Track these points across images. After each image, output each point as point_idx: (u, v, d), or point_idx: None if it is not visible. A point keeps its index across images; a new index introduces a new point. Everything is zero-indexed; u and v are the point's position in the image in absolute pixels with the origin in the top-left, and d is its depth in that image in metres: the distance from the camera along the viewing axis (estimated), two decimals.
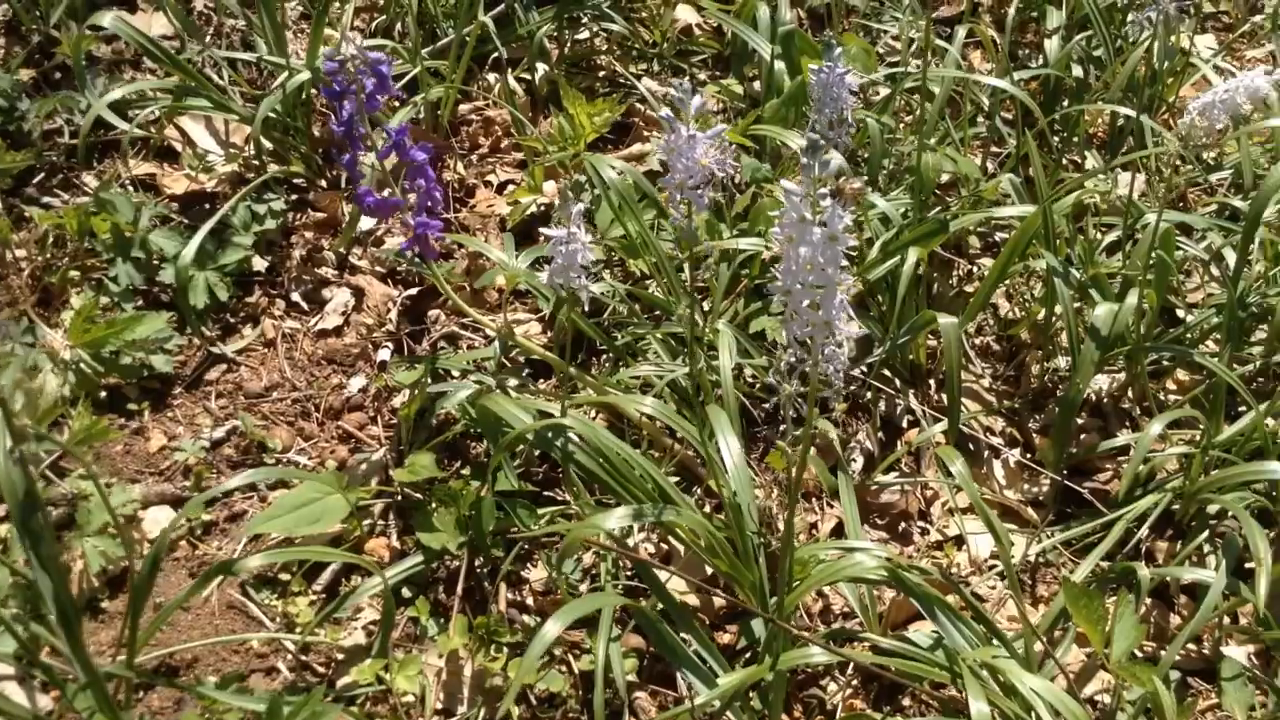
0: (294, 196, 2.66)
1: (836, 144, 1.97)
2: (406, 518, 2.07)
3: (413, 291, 2.49)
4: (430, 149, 2.01)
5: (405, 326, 2.44)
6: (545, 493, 2.13)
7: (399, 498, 2.09)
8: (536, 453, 2.13)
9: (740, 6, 2.93)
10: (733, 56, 3.01)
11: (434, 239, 2.01)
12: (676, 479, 2.09)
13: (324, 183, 2.71)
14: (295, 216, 2.63)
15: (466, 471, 2.13)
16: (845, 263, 1.17)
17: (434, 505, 1.96)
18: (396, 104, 2.68)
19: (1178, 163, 1.92)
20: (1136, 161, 2.56)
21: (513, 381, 2.13)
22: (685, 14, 3.18)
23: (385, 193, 1.95)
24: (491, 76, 2.93)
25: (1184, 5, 2.13)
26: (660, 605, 1.82)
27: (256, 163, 2.63)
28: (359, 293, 2.49)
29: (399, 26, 3.00)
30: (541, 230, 1.74)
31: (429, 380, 2.11)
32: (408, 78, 2.73)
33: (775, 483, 2.20)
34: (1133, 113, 2.49)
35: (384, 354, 2.39)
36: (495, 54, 2.86)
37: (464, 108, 2.92)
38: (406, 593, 1.95)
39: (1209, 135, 1.91)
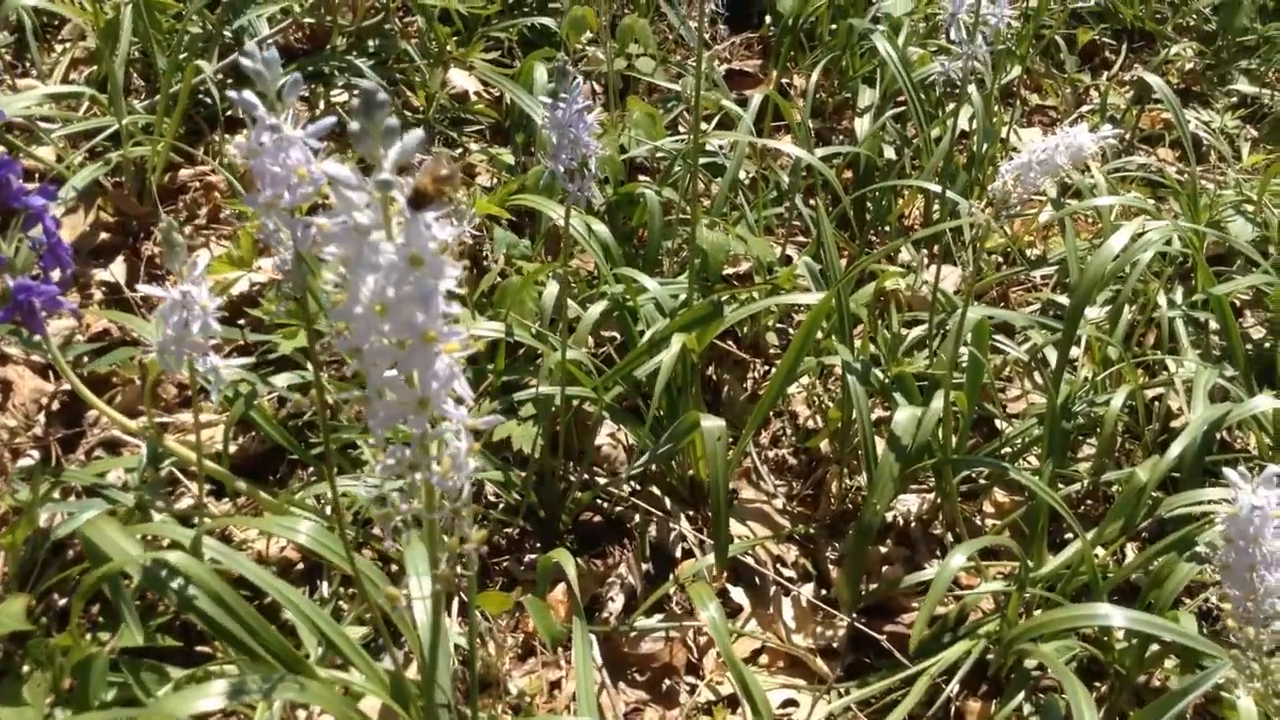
0: None
1: (577, 199, 1.59)
2: None
3: (70, 386, 1.99)
4: (53, 191, 1.55)
5: (57, 430, 1.94)
6: (201, 647, 1.65)
7: None
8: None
9: (520, 72, 2.58)
10: (511, 126, 2.64)
11: (45, 308, 1.54)
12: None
13: None
14: None
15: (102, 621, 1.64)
16: (452, 306, 0.75)
17: (27, 669, 1.46)
18: (82, 159, 2.22)
19: (993, 247, 1.60)
20: (949, 251, 2.26)
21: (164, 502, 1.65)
22: (462, 80, 2.81)
23: None
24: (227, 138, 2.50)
25: (993, 48, 1.83)
26: None
27: None
28: (7, 387, 1.99)
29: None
30: (140, 288, 1.30)
31: (48, 499, 1.62)
32: (107, 132, 2.28)
33: (505, 630, 1.76)
34: (938, 188, 2.18)
35: (26, 464, 1.89)
36: (228, 113, 2.43)
37: (185, 173, 2.46)
38: None
39: (1023, 202, 1.59)
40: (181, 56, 2.40)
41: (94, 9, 2.35)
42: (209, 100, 2.55)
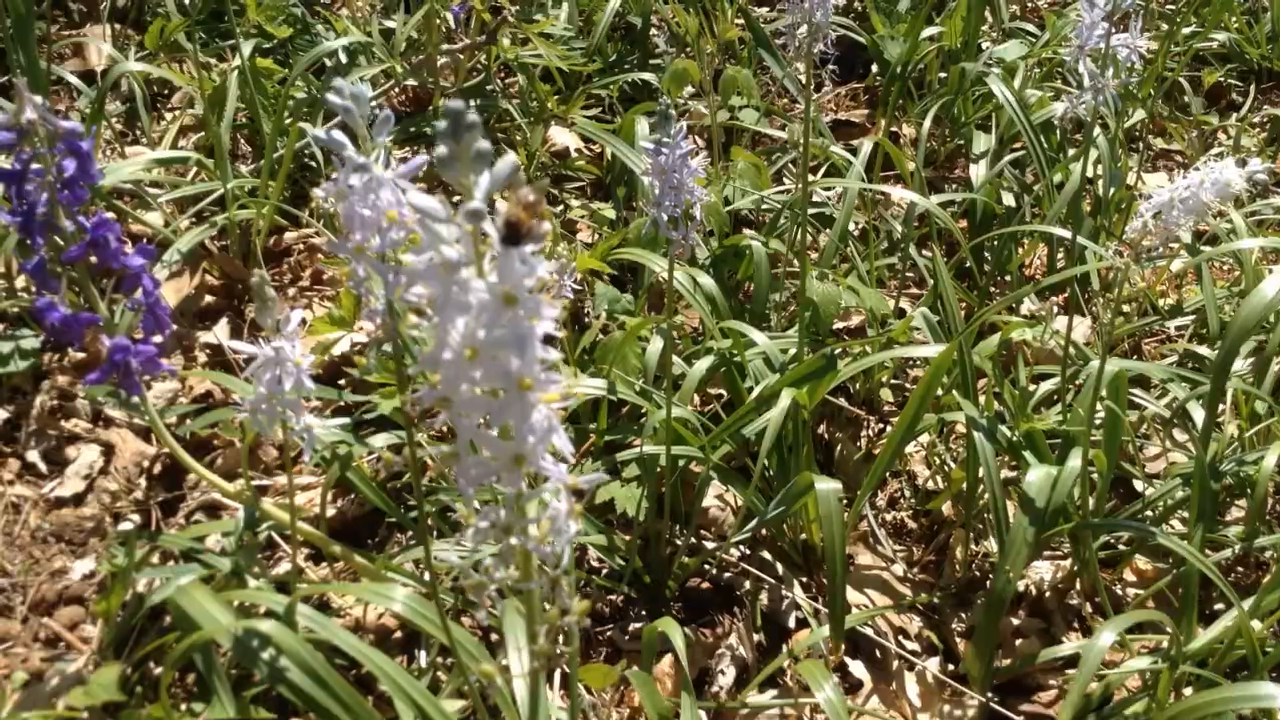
0: None
1: (681, 248, 1.51)
2: None
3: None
4: (152, 251, 1.54)
5: (158, 493, 1.92)
6: (296, 719, 1.58)
7: None
8: None
9: (621, 126, 2.54)
10: (611, 181, 2.60)
11: (143, 369, 1.51)
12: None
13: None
14: (53, 359, 2.13)
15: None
16: (549, 352, 0.66)
17: None
18: (188, 223, 2.23)
19: (1128, 291, 1.47)
20: (1077, 301, 2.12)
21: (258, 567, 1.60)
22: (563, 137, 2.78)
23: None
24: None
25: (1125, 80, 1.71)
26: None
27: (17, 292, 2.15)
28: (110, 450, 1.98)
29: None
30: (232, 344, 1.25)
31: (145, 564, 1.58)
32: (213, 196, 2.29)
33: (610, 704, 1.66)
34: (1065, 234, 2.05)
35: (126, 528, 1.86)
36: (333, 175, 2.44)
37: (290, 235, 2.46)
38: None
39: (1166, 242, 1.46)
40: (286, 121, 2.40)
41: (201, 76, 2.38)
42: (313, 164, 2.56)
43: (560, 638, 0.85)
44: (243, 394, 1.80)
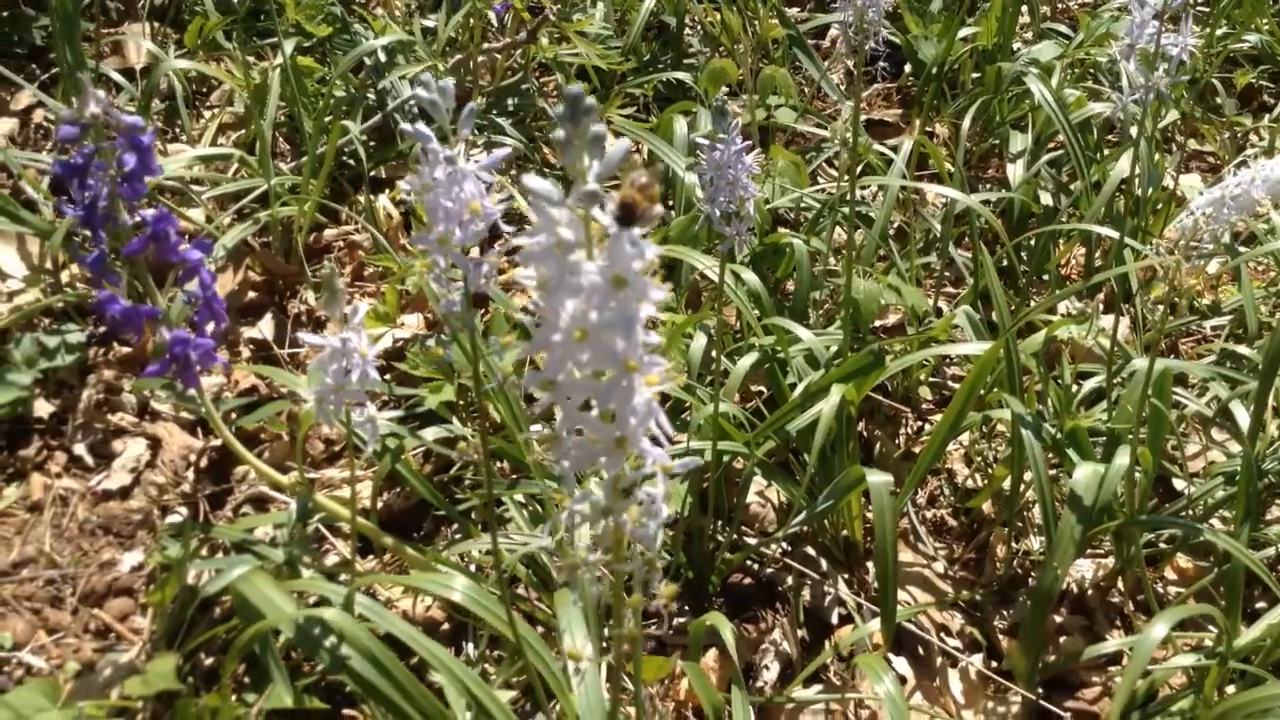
0: (103, 329, 2.19)
1: (733, 243, 1.52)
2: None
3: (219, 442, 1.99)
4: (209, 245, 1.56)
5: (205, 486, 1.93)
6: (347, 710, 1.60)
7: (141, 716, 1.54)
8: None
9: (659, 124, 2.55)
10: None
11: (200, 362, 1.53)
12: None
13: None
14: (99, 352, 2.15)
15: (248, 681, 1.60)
16: (651, 336, 0.68)
17: None
18: (230, 219, 2.25)
19: (1159, 299, 1.48)
20: (1116, 301, 2.12)
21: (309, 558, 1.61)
22: None
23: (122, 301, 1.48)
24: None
25: (1176, 79, 1.71)
26: None
27: (63, 286, 2.17)
28: (156, 444, 1.99)
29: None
30: (300, 335, 1.26)
31: (196, 556, 1.60)
32: (255, 193, 2.31)
33: (656, 698, 1.67)
34: (1113, 233, 2.05)
35: (174, 520, 1.88)
36: (373, 173, 2.46)
37: (330, 232, 2.48)
38: None
39: (1215, 239, 1.47)
40: (327, 120, 2.42)
41: (244, 73, 2.40)
42: (352, 162, 2.57)
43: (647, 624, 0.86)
44: (292, 385, 1.82)
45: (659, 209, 0.65)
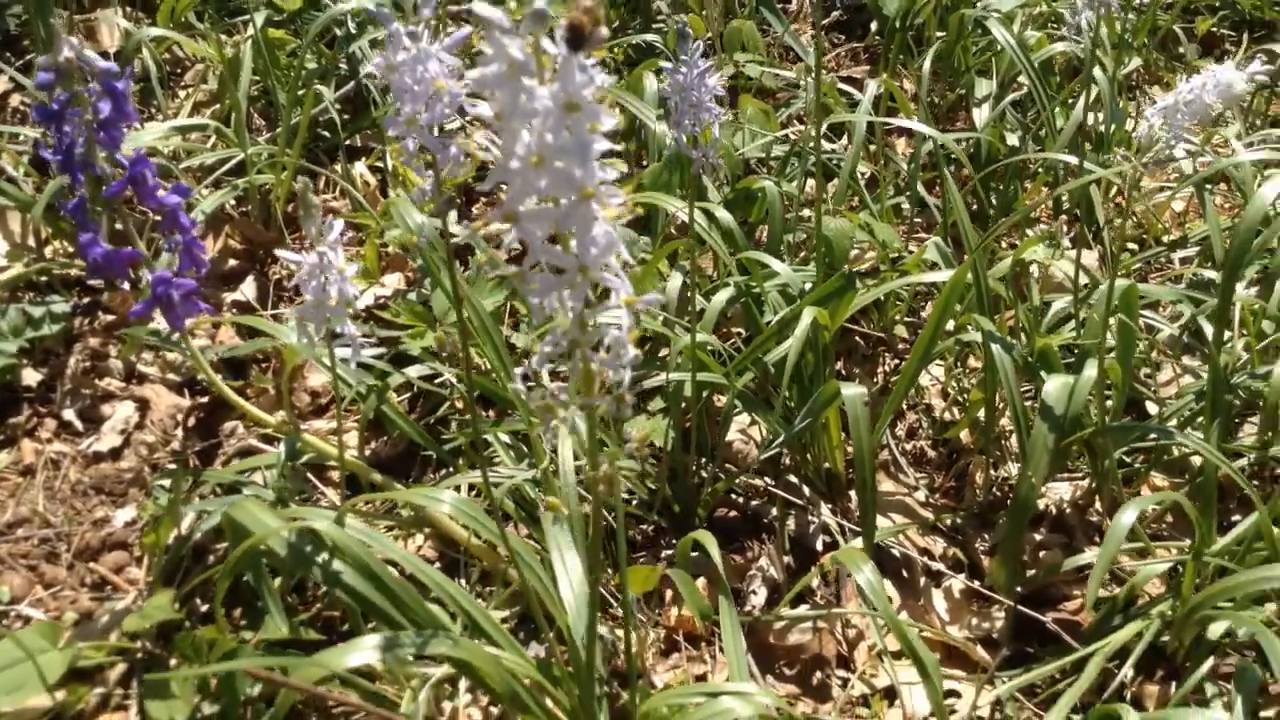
0: (87, 300, 2.21)
1: (702, 166, 1.56)
2: None
3: (206, 400, 2.02)
4: (187, 190, 1.58)
5: (195, 443, 1.96)
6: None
7: (141, 655, 1.57)
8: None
9: (630, 80, 2.58)
10: (620, 136, 2.64)
11: (184, 307, 1.56)
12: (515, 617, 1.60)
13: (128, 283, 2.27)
14: (84, 322, 2.17)
15: (239, 617, 1.63)
16: (609, 172, 0.71)
17: (175, 662, 1.46)
18: (209, 188, 2.28)
19: (1129, 236, 1.52)
20: (1083, 233, 2.16)
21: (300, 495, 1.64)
22: None
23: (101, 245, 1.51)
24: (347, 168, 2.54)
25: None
26: None
27: (44, 258, 2.19)
28: (145, 405, 2.02)
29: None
30: (277, 252, 1.29)
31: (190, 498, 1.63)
32: (232, 163, 2.34)
33: (647, 623, 1.70)
34: (1073, 159, 2.09)
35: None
36: (348, 142, 2.49)
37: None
38: None
39: (1172, 144, 1.51)
40: (300, 91, 2.45)
41: (216, 47, 2.42)
42: (328, 134, 2.60)
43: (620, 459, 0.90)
44: (275, 334, 1.85)
45: (605, 31, 0.68)
